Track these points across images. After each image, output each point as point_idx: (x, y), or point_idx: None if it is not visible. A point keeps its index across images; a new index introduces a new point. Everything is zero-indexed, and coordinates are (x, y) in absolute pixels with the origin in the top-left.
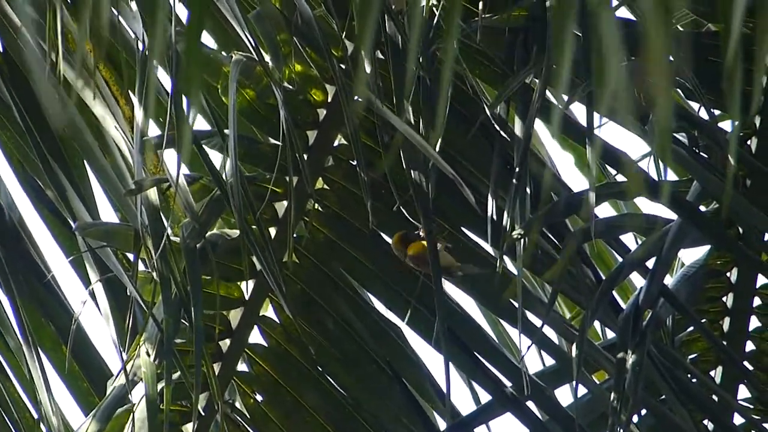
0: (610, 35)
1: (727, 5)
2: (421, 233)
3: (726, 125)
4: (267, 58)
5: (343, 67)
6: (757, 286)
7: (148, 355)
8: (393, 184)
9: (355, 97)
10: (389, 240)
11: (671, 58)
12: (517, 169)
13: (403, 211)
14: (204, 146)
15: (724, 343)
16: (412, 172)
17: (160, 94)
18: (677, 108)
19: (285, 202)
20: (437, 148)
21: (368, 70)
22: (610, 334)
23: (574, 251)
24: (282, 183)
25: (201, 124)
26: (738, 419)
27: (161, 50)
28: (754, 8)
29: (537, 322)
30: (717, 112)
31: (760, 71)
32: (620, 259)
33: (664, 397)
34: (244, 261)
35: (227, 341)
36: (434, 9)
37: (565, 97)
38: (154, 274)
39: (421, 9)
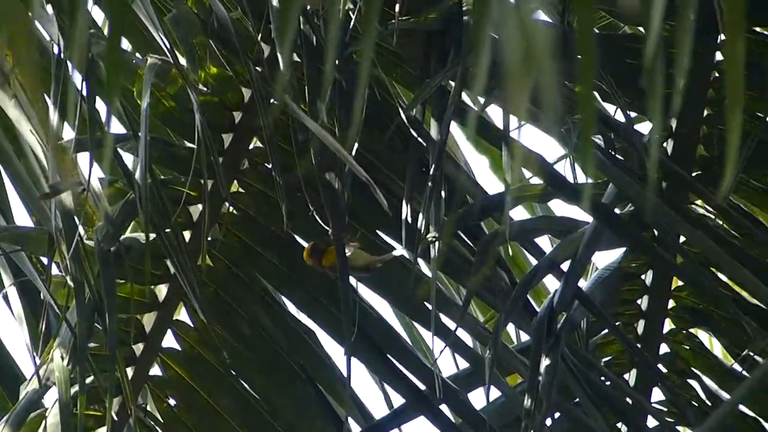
0: (525, 38)
1: (647, 7)
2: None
3: (642, 127)
4: (182, 60)
5: (259, 69)
6: (672, 289)
7: (62, 359)
8: (308, 188)
9: (271, 100)
10: (304, 243)
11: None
12: (432, 172)
13: (317, 217)
14: (119, 149)
15: (639, 345)
16: (326, 175)
17: (74, 97)
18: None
19: (200, 206)
20: (352, 152)
21: (284, 72)
22: (525, 337)
23: (489, 254)
24: (197, 186)
25: (116, 127)
26: (652, 422)
27: (80, 55)
28: (673, 10)
29: (451, 324)
30: (633, 114)
31: (680, 73)
32: (535, 262)
33: (578, 400)
34: (146, 264)
35: (141, 345)
36: (350, 12)
37: (482, 100)
38: (68, 278)
39: (338, 10)
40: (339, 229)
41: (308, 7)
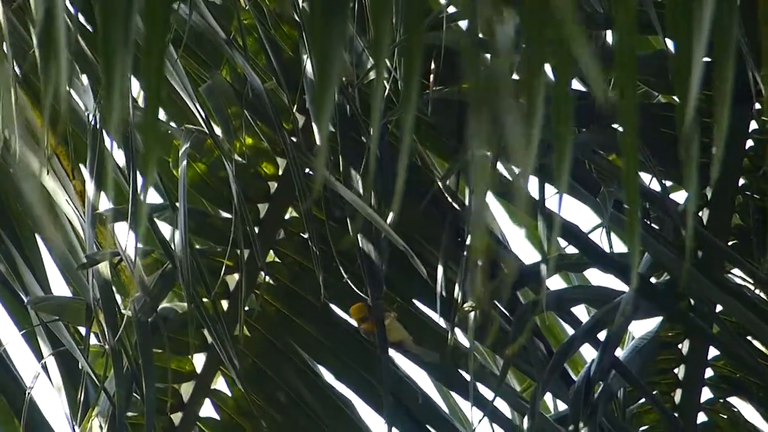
0: (563, 107)
1: (683, 77)
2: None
3: (677, 197)
4: (218, 131)
5: (294, 140)
6: (709, 358)
7: (101, 428)
8: (343, 258)
9: (307, 171)
10: (341, 313)
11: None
12: (468, 242)
13: (352, 285)
14: (156, 220)
15: (676, 415)
16: (362, 244)
17: (111, 167)
18: None
19: (236, 276)
20: (388, 221)
21: (320, 143)
22: (562, 407)
23: (526, 323)
24: (233, 256)
25: (152, 197)
26: None
27: (116, 124)
28: (709, 80)
29: (488, 394)
30: (668, 183)
31: (719, 142)
32: (571, 332)
33: None
34: (190, 334)
35: (179, 414)
36: (385, 82)
37: (517, 170)
38: (106, 347)
39: (382, 83)
40: (377, 299)
41: (343, 78)
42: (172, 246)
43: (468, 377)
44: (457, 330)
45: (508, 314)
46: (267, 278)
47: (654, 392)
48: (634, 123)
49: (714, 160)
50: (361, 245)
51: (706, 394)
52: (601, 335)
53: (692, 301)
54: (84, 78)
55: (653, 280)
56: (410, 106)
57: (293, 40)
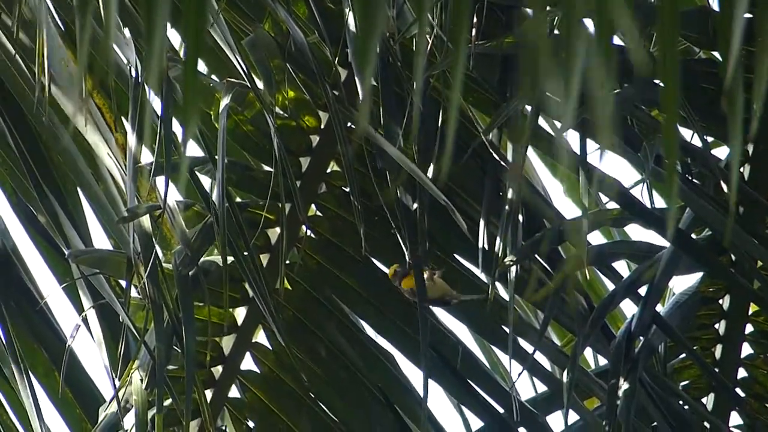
0: (604, 63)
1: (726, 31)
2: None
3: (718, 152)
4: (259, 84)
5: (336, 93)
6: (749, 313)
7: (141, 381)
8: (387, 211)
9: (349, 124)
10: (382, 267)
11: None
12: (509, 196)
13: (398, 237)
14: (197, 173)
15: (716, 370)
16: (404, 198)
17: (152, 121)
18: None
19: (277, 229)
20: (430, 175)
21: (363, 97)
22: (602, 361)
23: (566, 278)
24: (274, 210)
25: (194, 150)
26: None
27: (156, 78)
28: (751, 35)
29: (529, 348)
30: (709, 139)
31: (757, 98)
32: (612, 286)
33: (655, 424)
34: (224, 288)
35: (219, 368)
36: (428, 37)
37: (558, 125)
38: (147, 301)
39: (424, 39)
40: (415, 252)
41: (385, 32)
42: (213, 199)
43: (508, 331)
44: (497, 284)
45: (549, 269)
46: (308, 232)
47: (694, 347)
48: (675, 79)
49: (754, 115)
50: (401, 199)
51: (747, 349)
52: (642, 290)
53: (733, 257)
54: (126, 31)
55: (694, 235)
56: (459, 60)
57: None
